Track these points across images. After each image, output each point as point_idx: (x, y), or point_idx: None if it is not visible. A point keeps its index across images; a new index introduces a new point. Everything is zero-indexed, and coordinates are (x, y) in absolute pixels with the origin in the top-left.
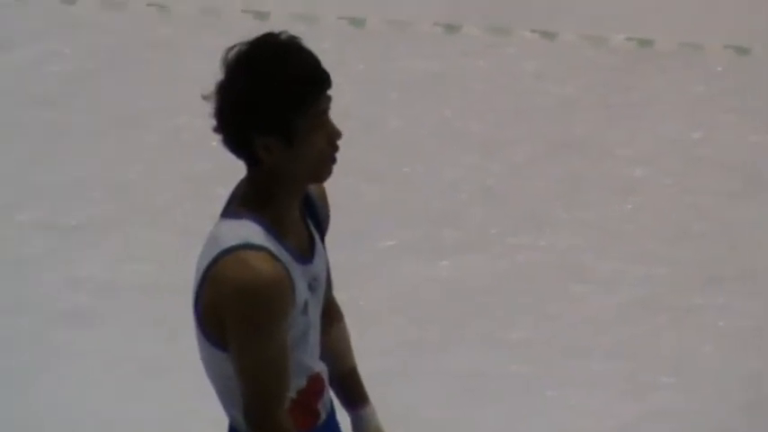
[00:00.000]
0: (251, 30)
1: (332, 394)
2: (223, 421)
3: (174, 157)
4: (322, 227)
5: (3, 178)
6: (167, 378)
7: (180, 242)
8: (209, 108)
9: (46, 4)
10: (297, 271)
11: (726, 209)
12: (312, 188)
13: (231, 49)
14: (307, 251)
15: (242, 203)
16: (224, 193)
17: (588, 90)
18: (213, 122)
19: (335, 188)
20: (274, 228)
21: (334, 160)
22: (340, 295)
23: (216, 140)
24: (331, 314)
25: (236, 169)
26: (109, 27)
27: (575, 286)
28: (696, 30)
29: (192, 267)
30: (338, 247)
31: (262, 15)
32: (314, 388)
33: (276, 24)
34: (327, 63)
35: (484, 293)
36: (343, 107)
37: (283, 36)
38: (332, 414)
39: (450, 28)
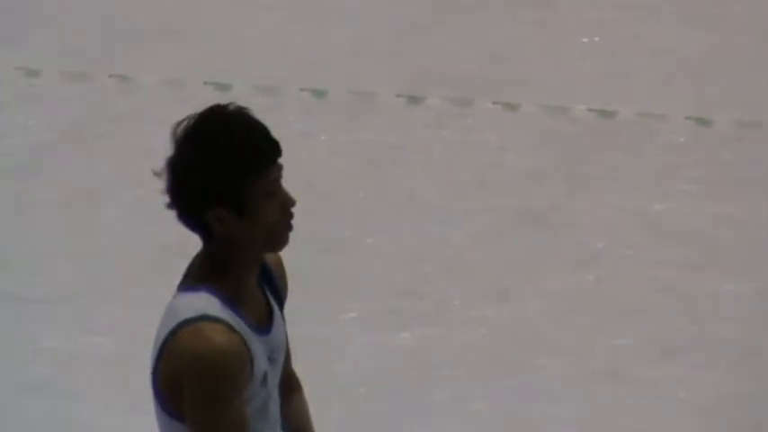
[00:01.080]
0: (213, 101)
1: None
2: None
3: (135, 229)
4: (280, 296)
5: None
6: None
7: (141, 315)
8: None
9: (9, 76)
10: (256, 343)
11: (686, 280)
12: (269, 258)
13: (180, 123)
14: (265, 322)
15: (199, 276)
16: (185, 264)
17: (550, 161)
18: (166, 199)
19: (296, 259)
20: (232, 299)
21: (289, 228)
22: (301, 368)
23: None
24: (290, 384)
25: (197, 241)
26: (71, 99)
27: (537, 358)
28: (657, 100)
29: (152, 340)
30: (299, 319)
31: (224, 87)
32: None
33: (238, 96)
34: (290, 134)
35: (446, 365)
36: (305, 178)
37: (231, 107)
38: None
39: (413, 99)
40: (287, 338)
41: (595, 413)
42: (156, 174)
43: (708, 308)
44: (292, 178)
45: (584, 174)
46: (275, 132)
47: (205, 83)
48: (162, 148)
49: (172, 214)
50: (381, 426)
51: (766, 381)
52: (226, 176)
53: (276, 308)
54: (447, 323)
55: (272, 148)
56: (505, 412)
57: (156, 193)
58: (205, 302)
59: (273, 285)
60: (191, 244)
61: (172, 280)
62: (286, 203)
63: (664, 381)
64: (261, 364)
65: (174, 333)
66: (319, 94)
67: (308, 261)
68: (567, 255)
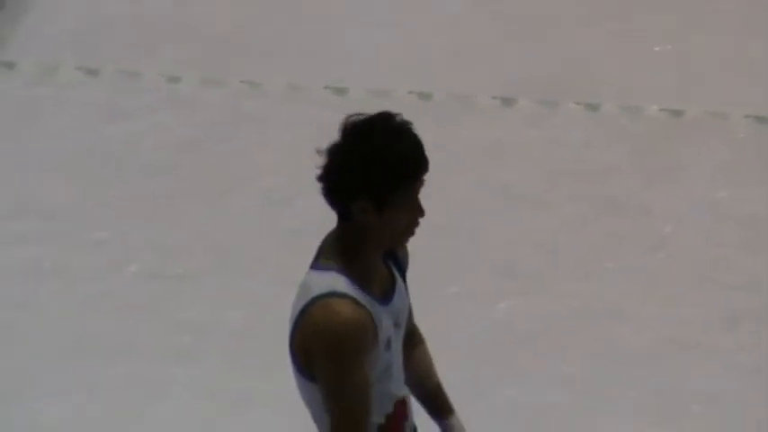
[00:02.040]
0: (332, 104)
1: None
2: None
3: (264, 216)
4: (402, 267)
5: (118, 236)
6: (258, 409)
7: (269, 290)
8: (296, 171)
9: (155, 83)
10: (381, 313)
11: (746, 258)
12: None
13: (350, 117)
14: (389, 292)
15: (329, 256)
16: (310, 246)
17: (627, 156)
18: (319, 172)
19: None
20: (358, 276)
21: (412, 234)
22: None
23: (304, 199)
24: (414, 339)
25: (321, 225)
26: (208, 102)
27: (616, 327)
28: (721, 100)
29: (280, 312)
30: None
31: (341, 91)
32: (400, 412)
33: (354, 98)
34: None
35: (537, 334)
36: None
37: (398, 118)
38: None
39: (507, 101)
40: (410, 303)
41: (666, 377)
42: (319, 152)
43: (765, 282)
44: None
45: (655, 167)
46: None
47: (325, 87)
48: (284, 146)
49: (297, 202)
50: (481, 387)
51: None
52: (384, 178)
53: (399, 278)
54: (538, 297)
55: (425, 164)
56: (589, 374)
57: (282, 182)
58: (334, 280)
59: (396, 258)
60: (314, 228)
61: (296, 260)
62: (418, 214)
63: (726, 348)
64: (386, 329)
65: (307, 307)
66: (425, 96)
67: (417, 243)
68: (642, 238)
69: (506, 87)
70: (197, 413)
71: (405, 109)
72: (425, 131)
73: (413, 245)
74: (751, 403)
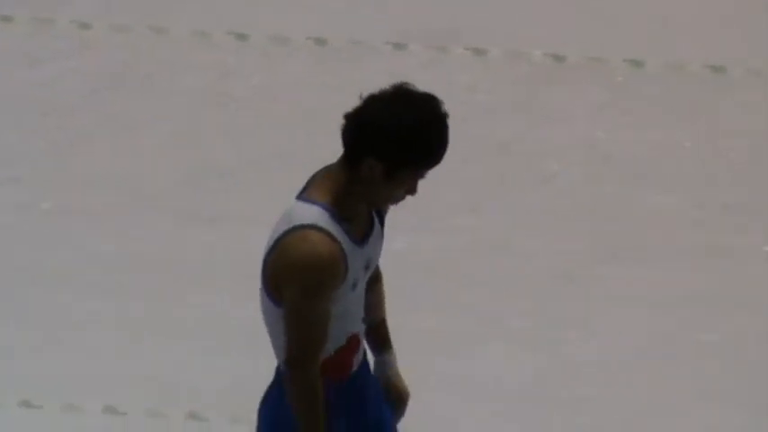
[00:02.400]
0: (233, 49)
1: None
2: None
3: (170, 154)
4: (381, 215)
5: (31, 174)
6: (165, 336)
7: (177, 224)
8: (199, 112)
9: (67, 30)
10: (355, 254)
11: (625, 196)
12: None
13: (404, 84)
14: (366, 236)
15: (318, 191)
16: (212, 183)
17: (512, 98)
18: (353, 110)
19: None
20: (341, 217)
21: (396, 204)
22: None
23: (207, 139)
24: (373, 275)
25: (224, 163)
26: (118, 48)
27: (505, 260)
28: (600, 46)
29: (185, 245)
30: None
31: (242, 37)
32: (351, 346)
33: (254, 44)
34: (301, 78)
35: (429, 266)
36: (310, 108)
37: (444, 107)
38: (364, 365)
39: (399, 46)
40: (381, 250)
41: (549, 306)
42: (360, 96)
43: (644, 216)
44: None
45: (539, 109)
46: None
47: (228, 33)
48: (189, 89)
49: (202, 143)
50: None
51: (710, 278)
52: (408, 155)
53: (377, 224)
54: (429, 233)
55: (443, 156)
56: (478, 304)
57: (188, 125)
58: (318, 215)
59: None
60: (217, 167)
61: (200, 196)
62: (411, 192)
63: (606, 279)
64: (354, 272)
65: (286, 234)
66: (321, 42)
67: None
68: (527, 176)
69: (399, 33)
70: (111, 342)
71: (302, 54)
72: (323, 75)
73: None
74: (626, 332)
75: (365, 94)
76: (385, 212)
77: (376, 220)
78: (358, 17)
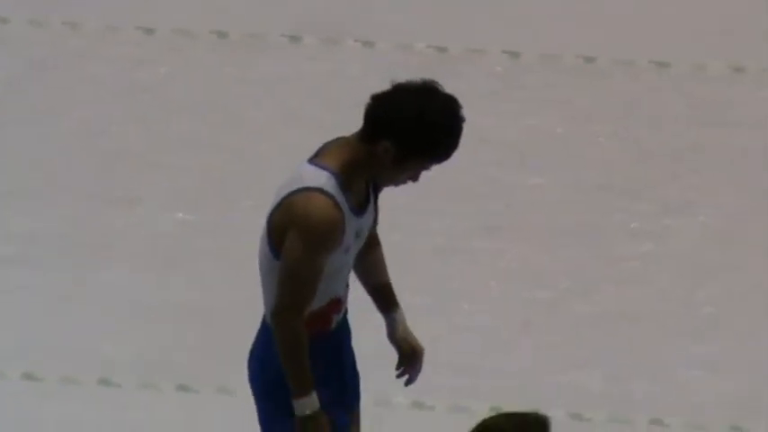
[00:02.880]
0: (141, 43)
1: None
2: None
3: (83, 140)
4: (377, 190)
5: None
6: (78, 306)
7: (89, 205)
8: (110, 102)
9: None
10: (351, 221)
11: (504, 177)
12: None
13: (433, 81)
14: (363, 207)
15: (330, 159)
16: (123, 168)
17: None
18: (382, 93)
19: None
20: (346, 186)
21: (397, 186)
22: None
23: (117, 127)
24: (373, 242)
25: (135, 149)
26: (34, 41)
27: (392, 236)
28: (480, 38)
29: (95, 224)
30: None
31: (149, 31)
32: (333, 307)
33: (160, 38)
34: (204, 68)
35: None
36: (213, 97)
37: (462, 111)
38: (342, 325)
39: (294, 38)
40: (376, 217)
41: (437, 279)
42: (392, 82)
43: (518, 196)
44: None
45: None
46: None
47: (136, 28)
48: (100, 80)
49: (111, 130)
50: None
51: (581, 253)
52: (423, 143)
53: (372, 198)
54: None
55: (452, 155)
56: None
57: (98, 114)
58: (326, 180)
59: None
60: (127, 153)
61: (111, 179)
62: (413, 179)
63: (486, 253)
64: (348, 238)
65: (294, 193)
66: (223, 35)
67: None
68: None
69: (294, 26)
70: (27, 311)
71: (205, 46)
72: (225, 66)
73: None
74: (507, 300)
75: (394, 81)
76: (380, 190)
77: (372, 195)
78: (256, 11)
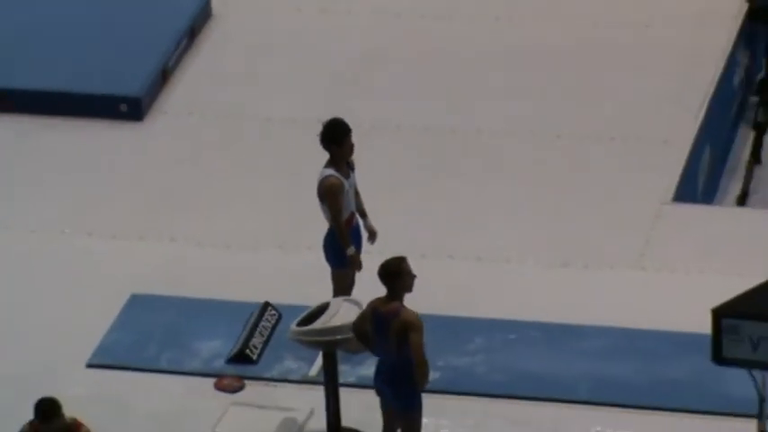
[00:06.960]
0: None
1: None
2: None
3: None
4: (351, 164)
5: None
6: None
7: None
8: None
9: None
10: (345, 182)
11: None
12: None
13: (335, 118)
14: (348, 175)
15: (328, 162)
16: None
17: None
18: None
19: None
20: (338, 170)
21: (351, 156)
22: None
23: None
24: (357, 192)
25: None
26: None
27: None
28: None
29: None
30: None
31: None
32: (350, 218)
33: None
34: None
35: None
36: None
37: (344, 121)
38: (358, 227)
39: None
40: (355, 184)
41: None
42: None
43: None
44: None
45: None
46: None
47: None
48: None
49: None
50: None
51: None
52: (339, 138)
53: (352, 170)
54: None
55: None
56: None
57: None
58: (330, 170)
59: (352, 164)
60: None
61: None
62: (351, 151)
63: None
64: (346, 187)
65: (324, 177)
66: None
67: None
68: None
69: None
70: None
71: None
72: None
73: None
74: None
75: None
76: (353, 163)
77: (350, 169)
78: None
